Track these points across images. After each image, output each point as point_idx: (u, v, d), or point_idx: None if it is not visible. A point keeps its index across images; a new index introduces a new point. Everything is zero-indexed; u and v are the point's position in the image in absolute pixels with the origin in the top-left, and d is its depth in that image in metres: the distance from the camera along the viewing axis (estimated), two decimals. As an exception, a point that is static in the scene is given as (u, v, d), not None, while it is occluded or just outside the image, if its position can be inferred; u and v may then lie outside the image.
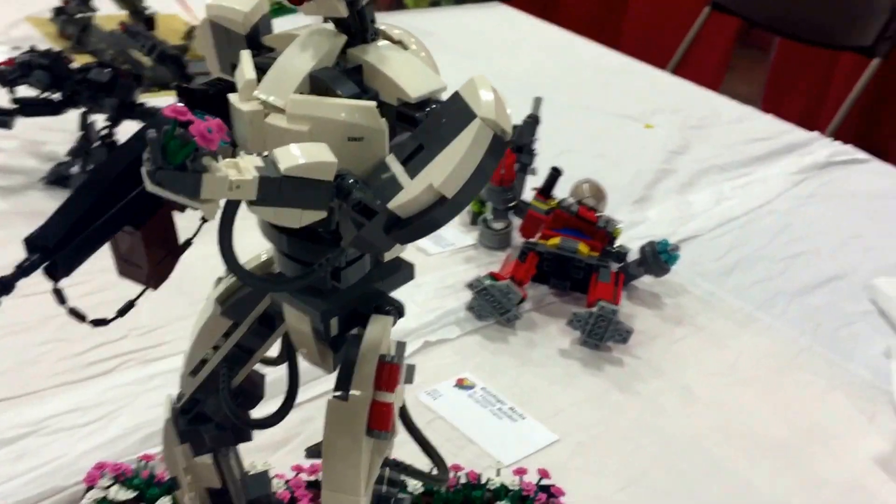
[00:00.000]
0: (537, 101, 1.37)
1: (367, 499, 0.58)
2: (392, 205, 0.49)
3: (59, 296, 0.56)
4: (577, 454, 0.97)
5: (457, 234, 1.38)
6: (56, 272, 0.54)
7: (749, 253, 1.43)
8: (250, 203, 0.48)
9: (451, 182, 0.48)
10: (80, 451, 0.90)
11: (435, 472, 0.64)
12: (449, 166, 0.48)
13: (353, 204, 0.49)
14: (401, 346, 0.59)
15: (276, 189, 0.48)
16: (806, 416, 1.08)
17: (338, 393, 0.56)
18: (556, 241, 1.23)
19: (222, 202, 0.48)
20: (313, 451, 0.62)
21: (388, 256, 0.60)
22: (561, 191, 1.27)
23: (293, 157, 0.48)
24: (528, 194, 1.31)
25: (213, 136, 0.45)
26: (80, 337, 1.07)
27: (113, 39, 1.73)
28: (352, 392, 0.56)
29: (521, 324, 1.18)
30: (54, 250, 0.53)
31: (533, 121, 1.34)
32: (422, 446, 0.63)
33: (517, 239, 1.33)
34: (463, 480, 0.87)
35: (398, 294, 0.60)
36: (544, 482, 0.87)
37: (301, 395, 0.66)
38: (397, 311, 0.59)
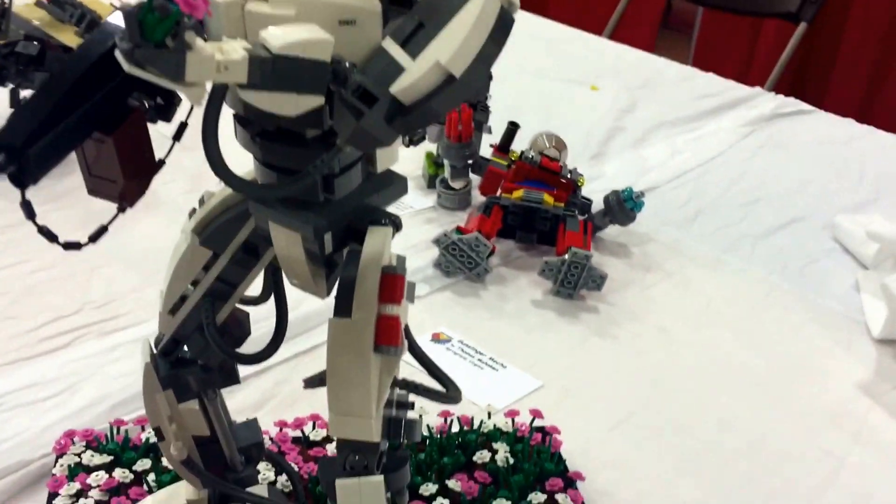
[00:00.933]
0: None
1: (379, 421, 0.54)
2: (395, 88, 0.46)
3: (29, 209, 0.50)
4: (563, 398, 0.95)
5: (415, 196, 1.34)
6: (24, 177, 0.49)
7: (709, 201, 1.42)
8: (241, 87, 0.44)
9: (460, 58, 0.45)
10: (44, 424, 0.84)
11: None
12: (456, 41, 0.45)
13: (353, 89, 0.46)
14: (401, 259, 0.56)
15: (268, 70, 0.44)
16: (784, 350, 1.07)
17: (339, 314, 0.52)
18: (519, 193, 1.20)
19: (209, 86, 0.44)
20: (313, 381, 0.58)
21: (380, 168, 0.56)
22: (518, 146, 1.25)
23: (285, 34, 0.44)
24: (484, 152, 1.28)
25: (197, 1, 0.40)
26: (31, 314, 1.01)
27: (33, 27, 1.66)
28: (354, 311, 0.52)
29: (491, 278, 1.15)
30: (21, 150, 0.48)
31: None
32: (427, 367, 0.59)
33: (477, 198, 1.30)
34: (455, 426, 0.83)
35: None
36: (538, 422, 0.84)
37: (275, 357, 0.62)
38: (395, 224, 0.56)
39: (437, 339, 1.03)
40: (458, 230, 1.14)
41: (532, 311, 1.10)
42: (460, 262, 1.13)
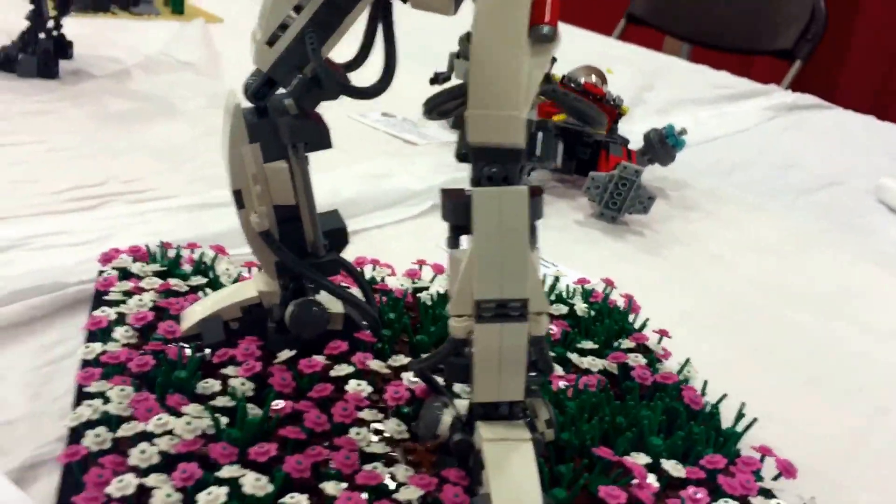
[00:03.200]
0: None
1: (524, 123, 0.46)
2: None
3: None
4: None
5: (439, 131, 1.27)
6: None
7: (741, 162, 1.37)
8: None
9: None
10: (77, 259, 0.75)
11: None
12: None
13: None
14: None
15: None
16: (839, 279, 1.00)
17: None
18: (561, 116, 1.14)
19: None
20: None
21: None
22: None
23: None
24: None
25: None
26: (53, 180, 0.93)
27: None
28: None
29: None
30: None
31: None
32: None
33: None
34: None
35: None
36: (609, 289, 0.77)
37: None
38: None
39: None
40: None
41: (576, 229, 1.03)
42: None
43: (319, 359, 0.60)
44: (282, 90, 0.57)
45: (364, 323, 0.64)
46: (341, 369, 0.60)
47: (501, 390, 0.51)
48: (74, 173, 0.95)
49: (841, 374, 0.79)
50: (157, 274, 0.70)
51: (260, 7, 0.55)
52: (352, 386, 0.59)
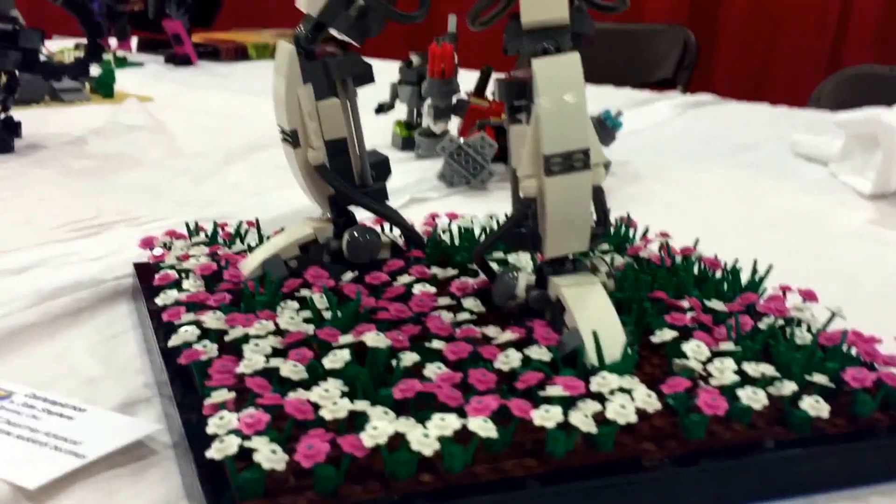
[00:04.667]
0: (452, 18, 1.38)
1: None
2: None
3: None
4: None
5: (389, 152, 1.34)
6: None
7: (669, 141, 1.48)
8: None
9: None
10: (104, 266, 0.79)
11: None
12: None
13: None
14: None
15: None
16: (792, 207, 1.11)
17: None
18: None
19: None
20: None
21: None
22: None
23: None
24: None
25: None
26: (48, 217, 0.96)
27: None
28: None
29: (494, 185, 1.16)
30: None
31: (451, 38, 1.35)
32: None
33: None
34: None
35: None
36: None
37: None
38: None
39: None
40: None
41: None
42: (464, 168, 1.13)
43: (381, 274, 0.65)
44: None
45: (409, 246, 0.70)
46: (403, 279, 0.65)
47: (570, 243, 0.57)
48: (66, 211, 0.98)
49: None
50: (205, 243, 0.74)
51: None
52: (417, 289, 0.64)
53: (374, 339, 0.53)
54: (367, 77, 0.65)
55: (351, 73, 0.64)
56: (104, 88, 1.70)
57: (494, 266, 0.67)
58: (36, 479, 0.48)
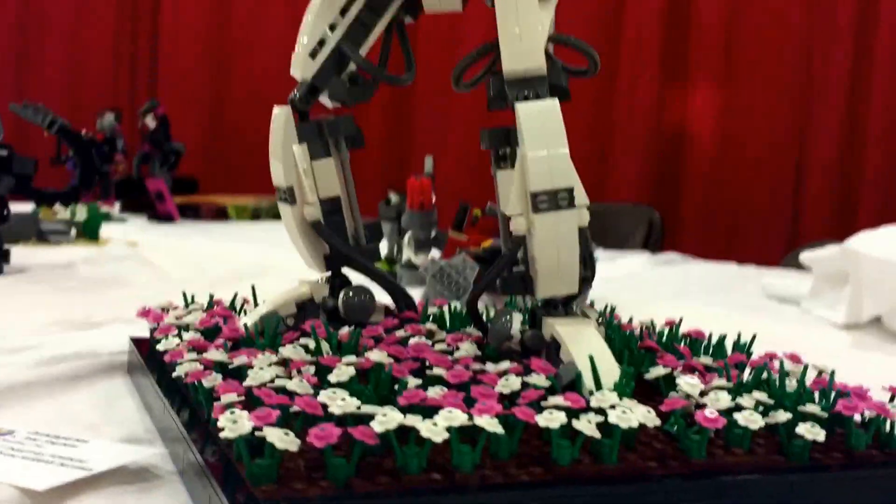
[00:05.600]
0: (429, 159, 1.45)
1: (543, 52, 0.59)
2: None
3: None
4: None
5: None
6: None
7: (641, 285, 1.52)
8: None
9: None
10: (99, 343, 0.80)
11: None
12: None
13: None
14: None
15: None
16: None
17: None
18: (488, 241, 1.27)
19: None
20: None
21: None
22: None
23: None
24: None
25: None
26: (36, 314, 0.96)
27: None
28: None
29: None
30: None
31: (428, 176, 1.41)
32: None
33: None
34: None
35: None
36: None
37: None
38: None
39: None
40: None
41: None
42: (448, 289, 1.16)
43: (377, 328, 0.67)
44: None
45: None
46: (399, 335, 0.66)
47: (560, 283, 0.59)
48: (60, 312, 0.99)
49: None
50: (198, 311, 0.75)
51: (300, 28, 0.68)
52: (413, 341, 0.65)
53: (378, 355, 0.54)
54: (358, 139, 0.70)
55: (343, 134, 0.68)
56: (90, 231, 1.74)
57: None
58: (44, 483, 0.48)
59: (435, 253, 1.36)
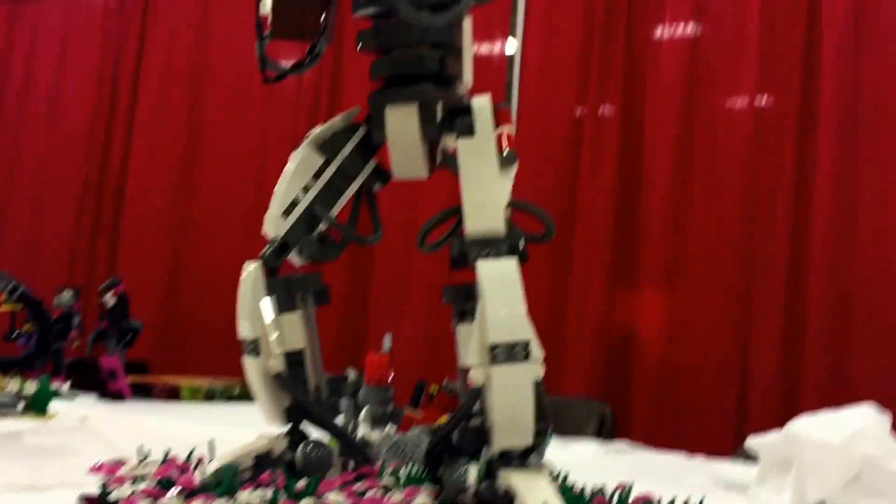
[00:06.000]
0: (388, 337, 1.48)
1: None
2: None
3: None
4: None
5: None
6: None
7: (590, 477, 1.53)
8: None
9: None
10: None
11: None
12: None
13: None
14: None
15: None
16: None
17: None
18: (443, 418, 1.28)
19: None
20: None
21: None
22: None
23: None
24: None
25: None
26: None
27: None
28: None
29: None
30: None
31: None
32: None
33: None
34: None
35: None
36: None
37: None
38: None
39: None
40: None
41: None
42: (402, 461, 1.16)
43: (334, 481, 0.68)
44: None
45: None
46: (357, 487, 0.67)
47: (515, 434, 0.62)
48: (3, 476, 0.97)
49: None
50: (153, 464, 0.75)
51: (275, 188, 0.72)
52: (370, 493, 0.66)
53: (336, 497, 0.55)
54: (323, 296, 0.73)
55: (311, 290, 0.72)
56: (39, 405, 1.71)
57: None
58: None
59: (390, 429, 1.37)
